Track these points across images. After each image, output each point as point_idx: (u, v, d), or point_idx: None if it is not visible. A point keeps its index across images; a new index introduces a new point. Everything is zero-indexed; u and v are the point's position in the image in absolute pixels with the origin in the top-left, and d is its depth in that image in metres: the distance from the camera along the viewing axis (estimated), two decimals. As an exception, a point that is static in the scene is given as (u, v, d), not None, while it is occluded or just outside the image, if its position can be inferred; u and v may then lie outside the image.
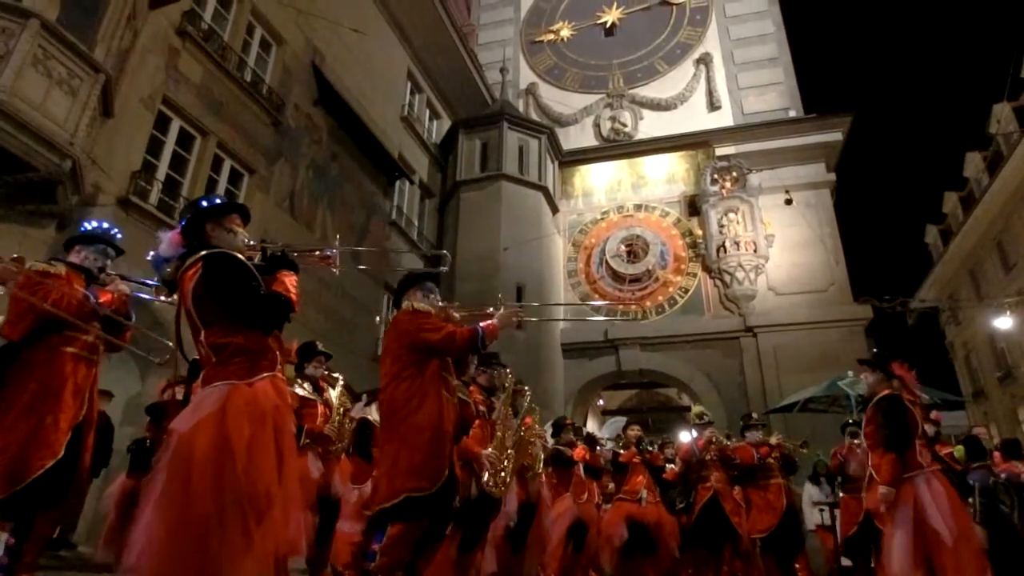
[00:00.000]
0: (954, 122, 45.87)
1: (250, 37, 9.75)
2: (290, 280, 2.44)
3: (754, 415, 7.68)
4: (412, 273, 3.55)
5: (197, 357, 2.35)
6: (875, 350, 4.05)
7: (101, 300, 3.37)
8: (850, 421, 7.03)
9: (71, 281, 3.33)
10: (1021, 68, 15.04)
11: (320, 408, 4.63)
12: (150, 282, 3.49)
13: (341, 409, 4.85)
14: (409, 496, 2.85)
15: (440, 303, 3.39)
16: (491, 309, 3.40)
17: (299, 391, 4.46)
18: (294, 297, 2.39)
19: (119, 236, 3.68)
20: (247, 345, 2.22)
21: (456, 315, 3.39)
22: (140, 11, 7.14)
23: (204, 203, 2.49)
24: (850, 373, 10.03)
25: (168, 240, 2.43)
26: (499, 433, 4.00)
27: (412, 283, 3.42)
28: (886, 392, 4.09)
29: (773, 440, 6.75)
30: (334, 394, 4.84)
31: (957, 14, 50.51)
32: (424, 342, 3.10)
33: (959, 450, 6.06)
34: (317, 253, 2.74)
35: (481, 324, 3.19)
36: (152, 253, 2.48)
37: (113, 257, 3.63)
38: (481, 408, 4.08)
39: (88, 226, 3.63)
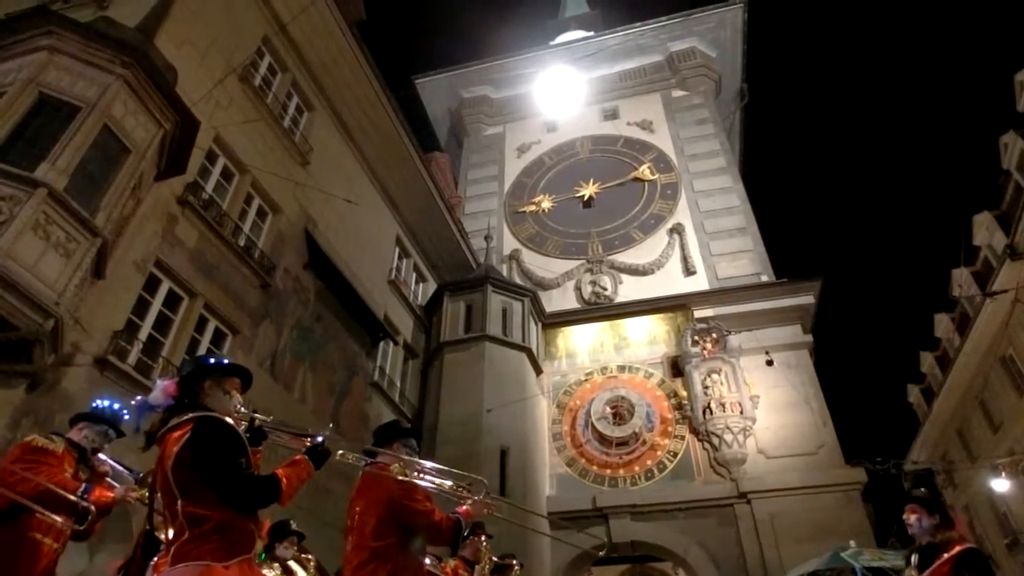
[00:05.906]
0: (918, 285, 48.52)
1: (248, 206, 10.21)
2: (300, 471, 2.36)
3: None
4: (397, 424, 3.42)
5: (151, 529, 2.19)
6: (923, 490, 3.65)
7: (94, 498, 3.24)
8: None
9: (63, 463, 3.27)
10: (972, 235, 16.16)
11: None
12: (133, 472, 3.45)
13: None
14: None
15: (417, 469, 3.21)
16: (466, 504, 3.22)
17: (268, 573, 4.16)
18: (285, 489, 2.25)
19: (127, 418, 3.62)
20: (230, 522, 2.06)
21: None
22: (146, 182, 7.53)
23: (211, 360, 2.49)
24: (852, 543, 9.55)
25: (162, 388, 2.37)
26: None
27: (396, 435, 3.26)
28: (967, 547, 3.16)
29: None
30: None
31: (909, 184, 55.49)
32: (411, 521, 2.92)
33: None
34: (308, 441, 2.61)
35: (459, 511, 3.10)
36: (140, 398, 2.44)
37: (112, 439, 3.66)
38: (457, 583, 3.79)
39: (99, 404, 3.73)
